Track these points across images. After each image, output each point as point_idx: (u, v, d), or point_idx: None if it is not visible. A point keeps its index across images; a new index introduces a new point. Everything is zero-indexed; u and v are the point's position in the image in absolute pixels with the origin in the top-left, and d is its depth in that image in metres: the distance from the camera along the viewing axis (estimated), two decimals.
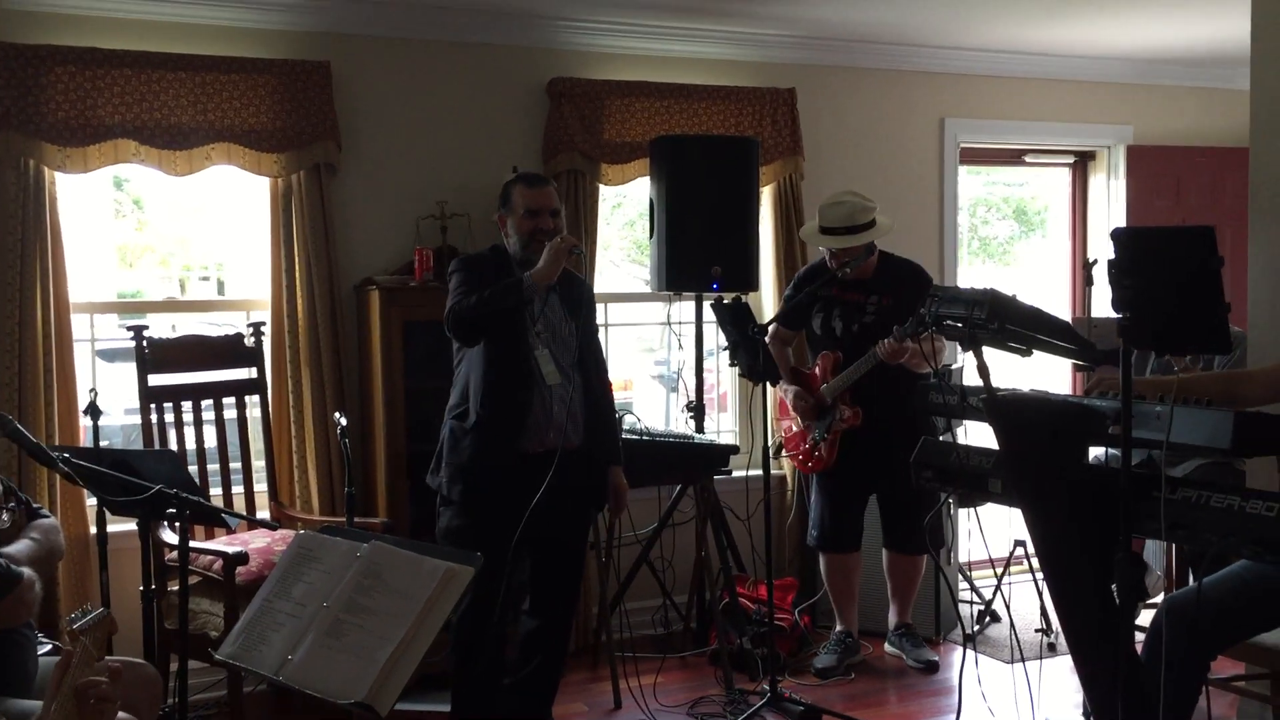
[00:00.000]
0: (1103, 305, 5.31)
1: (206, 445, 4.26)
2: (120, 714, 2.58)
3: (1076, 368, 3.86)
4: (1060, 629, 4.64)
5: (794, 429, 4.68)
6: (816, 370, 4.58)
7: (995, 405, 2.78)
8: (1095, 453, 3.77)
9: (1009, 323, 2.68)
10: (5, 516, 1.84)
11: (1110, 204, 6.27)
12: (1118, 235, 2.50)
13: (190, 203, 7.03)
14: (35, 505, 2.93)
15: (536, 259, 3.62)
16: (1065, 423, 2.74)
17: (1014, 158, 6.34)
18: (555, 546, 3.77)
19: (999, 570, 4.78)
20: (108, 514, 3.56)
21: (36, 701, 2.46)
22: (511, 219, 3.71)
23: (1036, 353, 2.88)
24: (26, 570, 2.58)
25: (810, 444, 4.57)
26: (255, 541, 3.99)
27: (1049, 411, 2.79)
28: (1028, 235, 10.59)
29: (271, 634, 2.48)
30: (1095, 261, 4.26)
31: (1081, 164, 6.40)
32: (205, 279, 8.42)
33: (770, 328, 4.72)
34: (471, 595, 3.56)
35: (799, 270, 4.31)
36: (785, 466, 5.38)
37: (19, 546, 2.68)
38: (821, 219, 4.45)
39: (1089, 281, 4.13)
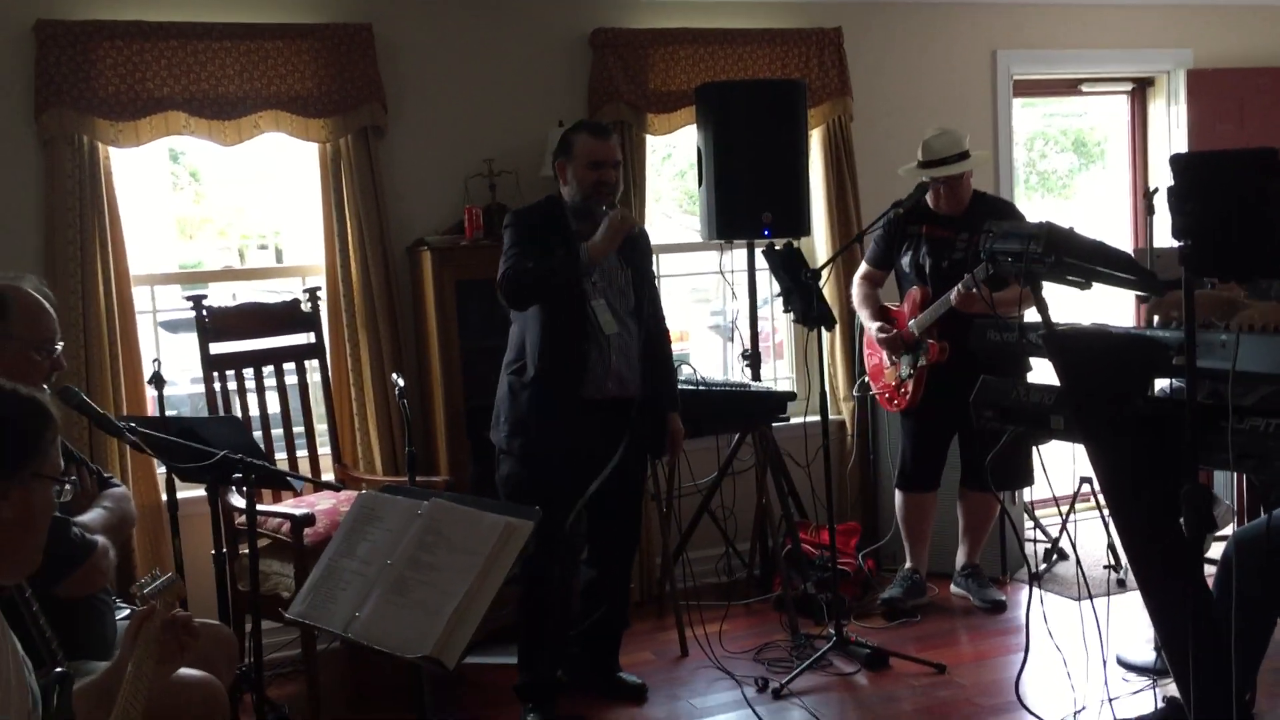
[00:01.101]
0: (1165, 235, 5.20)
1: (270, 411, 4.32)
2: (198, 672, 2.67)
3: (1139, 299, 3.78)
4: (1129, 565, 4.61)
5: (881, 367, 4.65)
6: (905, 307, 4.54)
7: (1055, 340, 2.74)
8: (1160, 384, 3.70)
9: (1067, 255, 2.63)
10: (67, 488, 1.88)
11: (1171, 131, 6.10)
12: (1176, 161, 2.44)
13: (245, 173, 7.09)
14: (106, 475, 2.99)
15: (596, 210, 3.61)
16: (1127, 355, 2.69)
17: (1069, 88, 6.18)
18: (612, 495, 3.79)
19: (1065, 508, 4.73)
20: (177, 481, 3.63)
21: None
22: (572, 168, 3.69)
23: (1099, 287, 2.83)
24: (100, 538, 2.65)
25: (897, 381, 4.54)
26: (321, 503, 4.06)
27: (1110, 344, 2.74)
28: (1087, 167, 10.35)
29: (339, 592, 2.53)
30: (1156, 190, 4.18)
31: (1140, 91, 6.22)
32: (264, 247, 8.51)
33: (860, 268, 4.70)
34: (534, 548, 3.64)
35: (885, 212, 4.26)
36: (844, 411, 5.35)
37: (92, 515, 2.75)
38: (926, 152, 4.43)
39: (1150, 211, 4.05)
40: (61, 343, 2.74)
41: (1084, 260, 2.65)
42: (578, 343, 3.63)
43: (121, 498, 2.90)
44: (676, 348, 4.53)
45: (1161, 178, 5.80)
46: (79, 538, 2.59)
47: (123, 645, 2.03)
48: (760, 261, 4.84)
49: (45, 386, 2.68)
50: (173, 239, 7.90)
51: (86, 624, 2.67)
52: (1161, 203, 4.17)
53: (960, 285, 4.17)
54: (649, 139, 4.99)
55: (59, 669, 1.86)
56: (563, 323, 3.63)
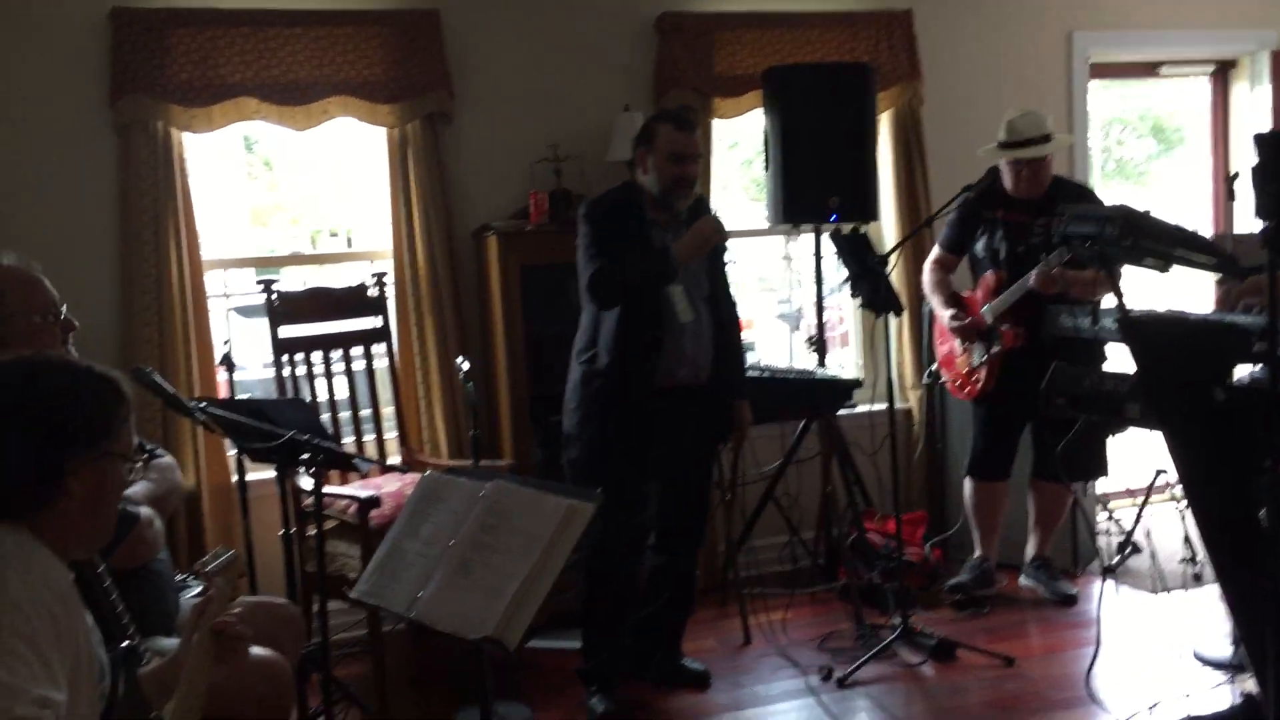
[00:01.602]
0: (1246, 221, 5.05)
1: (338, 396, 4.37)
2: (265, 650, 2.69)
3: (1218, 285, 3.67)
4: (1206, 558, 4.49)
5: (952, 355, 4.58)
6: (979, 293, 4.46)
7: (1131, 325, 2.67)
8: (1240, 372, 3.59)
9: (1144, 238, 2.55)
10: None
11: (1255, 115, 5.92)
12: (1261, 139, 2.36)
13: (317, 161, 7.19)
14: (149, 447, 3.03)
15: (675, 203, 3.59)
16: (1206, 341, 2.61)
17: (1148, 70, 6.02)
18: (680, 482, 3.77)
19: (1140, 500, 4.63)
20: (247, 463, 3.69)
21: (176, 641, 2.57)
22: (653, 158, 3.64)
23: (1177, 272, 2.75)
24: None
25: (969, 369, 4.47)
26: (387, 486, 4.09)
27: (1188, 330, 2.67)
28: (1166, 153, 10.10)
29: (402, 573, 2.55)
30: (1238, 175, 4.04)
31: (1222, 73, 6.05)
32: (334, 235, 8.64)
33: (932, 253, 4.63)
34: (600, 533, 3.64)
35: (954, 197, 4.18)
36: (911, 399, 5.28)
37: (137, 487, 2.78)
38: (1010, 132, 4.34)
39: (1231, 196, 3.90)
40: (65, 305, 2.76)
41: (1162, 243, 2.58)
42: (652, 330, 3.62)
43: (167, 468, 2.94)
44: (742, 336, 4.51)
45: (1244, 162, 5.63)
46: (121, 510, 2.62)
47: (181, 638, 2.06)
48: (827, 247, 4.79)
49: (71, 349, 2.72)
50: (247, 227, 8.04)
51: (143, 597, 2.69)
52: (1243, 187, 4.06)
53: (1040, 266, 4.07)
54: (716, 126, 4.95)
55: (125, 644, 1.88)
56: (638, 311, 3.61)
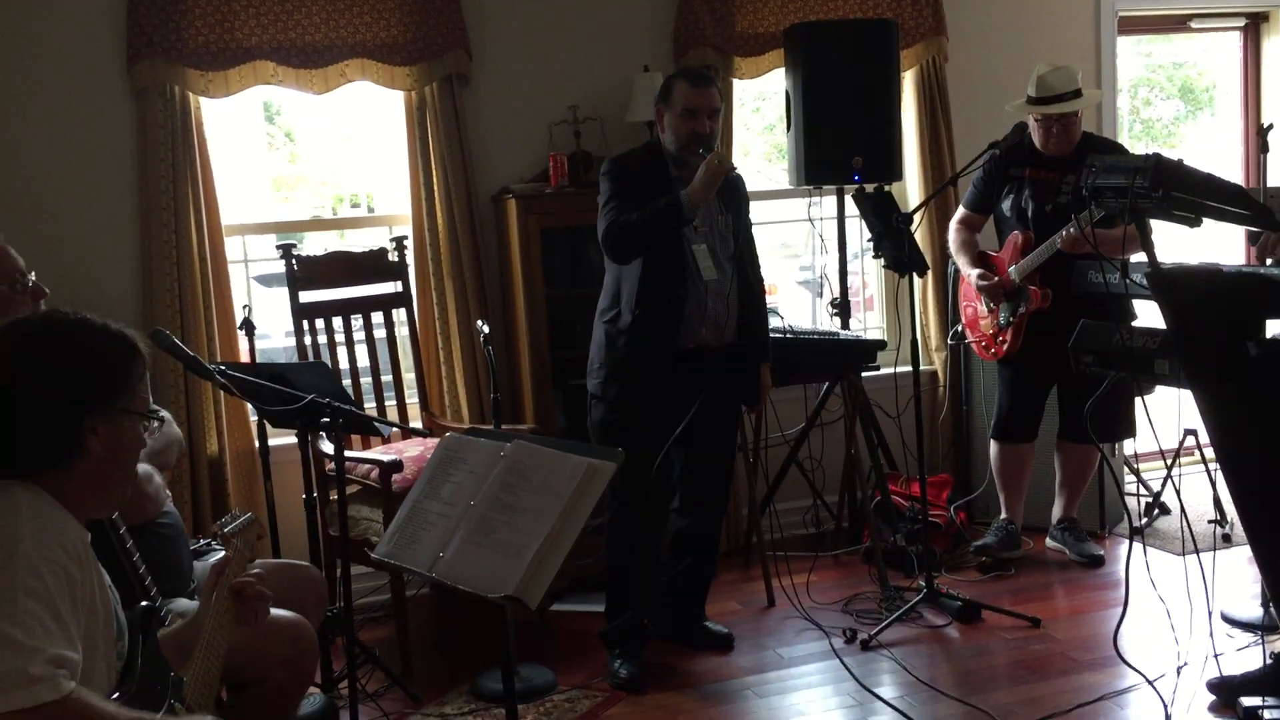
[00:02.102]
0: (1279, 175, 4.95)
1: (359, 362, 4.36)
2: (287, 612, 2.70)
3: (1250, 240, 3.59)
4: (1237, 519, 4.44)
5: (978, 315, 4.52)
6: (1005, 253, 4.40)
7: (1162, 279, 2.61)
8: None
9: (1175, 190, 2.49)
10: (155, 425, 1.91)
11: None
12: None
13: (338, 130, 7.16)
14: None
15: (693, 160, 3.55)
16: (1239, 295, 2.56)
17: (1178, 24, 5.91)
18: (704, 445, 3.75)
19: (1168, 461, 4.57)
20: (269, 427, 3.69)
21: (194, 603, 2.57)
22: (669, 115, 3.62)
23: (1208, 227, 2.69)
24: (142, 465, 2.67)
25: (995, 329, 4.41)
26: (409, 450, 4.08)
27: (1220, 283, 2.61)
28: (1194, 115, 9.94)
29: (423, 533, 2.53)
30: (1271, 126, 3.97)
31: (1254, 26, 5.92)
32: (355, 205, 8.62)
33: (957, 213, 4.57)
34: (622, 496, 3.63)
35: (981, 154, 4.11)
36: (936, 361, 5.23)
37: None
38: (1040, 87, 4.26)
39: (1264, 149, 3.85)
40: (33, 272, 2.74)
41: (1194, 194, 2.51)
42: (675, 289, 3.58)
43: (165, 421, 2.93)
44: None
45: (1276, 115, 5.52)
46: None
47: (201, 599, 2.06)
48: (850, 208, 4.74)
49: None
50: (268, 198, 8.02)
51: (153, 555, 2.68)
52: (1276, 139, 3.98)
53: (1068, 227, 4.00)
54: (737, 86, 4.89)
55: (144, 604, 1.88)
56: (662, 269, 3.58)
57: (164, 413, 3.01)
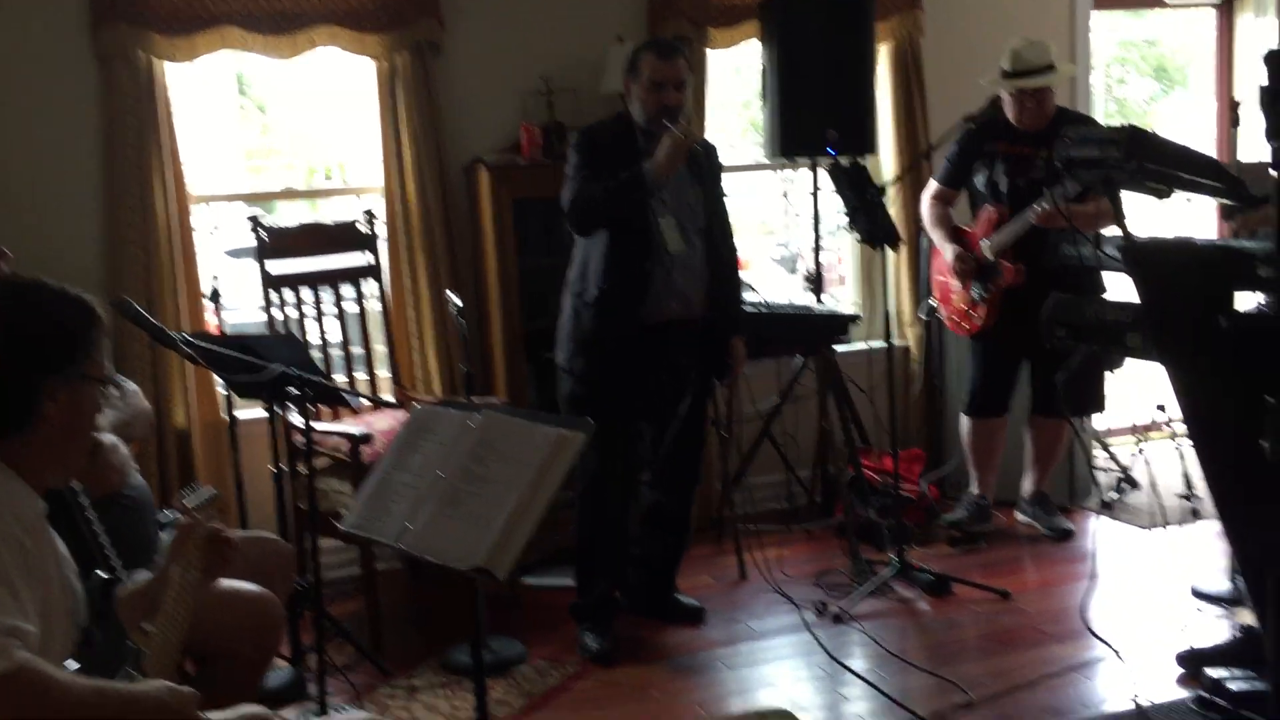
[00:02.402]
0: (1251, 150, 4.96)
1: (329, 333, 4.31)
2: (253, 585, 2.67)
3: (1223, 217, 3.60)
4: (1206, 492, 4.47)
5: (950, 290, 4.51)
6: (978, 228, 4.39)
7: (1134, 252, 2.61)
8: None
9: (1148, 161, 2.48)
10: (113, 392, 1.88)
11: (1260, 47, 5.81)
12: (1270, 57, 2.29)
13: (310, 102, 7.08)
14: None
15: (660, 133, 3.52)
16: (1210, 267, 2.56)
17: (1153, 1, 5.90)
18: (673, 418, 3.73)
19: (1138, 437, 4.60)
20: (236, 400, 3.64)
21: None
22: (636, 88, 3.58)
23: (1182, 212, 2.69)
24: (107, 436, 2.64)
25: (968, 304, 4.41)
26: (380, 423, 4.05)
27: (1192, 255, 2.61)
28: (1168, 93, 9.98)
29: (392, 504, 2.50)
30: (1242, 102, 3.97)
31: (1228, 5, 5.92)
32: (329, 178, 8.54)
33: (930, 187, 4.55)
34: (592, 470, 3.61)
35: (954, 126, 4.10)
36: (909, 336, 5.23)
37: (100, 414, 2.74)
38: (1014, 61, 4.23)
39: (1235, 122, 3.85)
40: None
41: (1167, 166, 2.51)
42: (641, 262, 3.56)
43: (130, 394, 2.90)
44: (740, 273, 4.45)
45: (1249, 94, 5.54)
46: None
47: (167, 555, 2.04)
48: (825, 182, 4.72)
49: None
50: (240, 171, 7.94)
51: (120, 526, 2.65)
52: (1248, 114, 3.98)
53: (1041, 202, 3.99)
54: (711, 55, 4.85)
55: (101, 573, 1.85)
56: (627, 242, 3.56)
57: (131, 385, 2.98)
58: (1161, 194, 2.59)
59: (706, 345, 3.77)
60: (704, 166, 3.71)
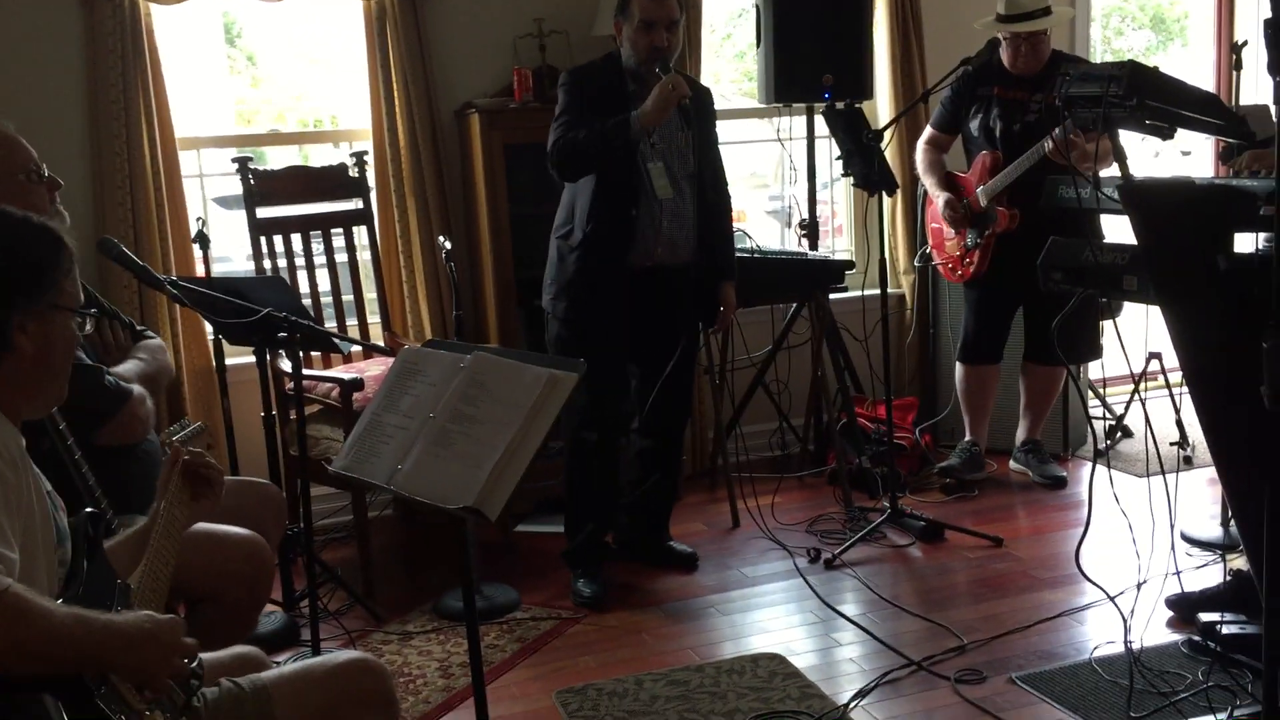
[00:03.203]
0: (1252, 93, 4.91)
1: (320, 283, 4.27)
2: (243, 529, 2.66)
3: (1221, 159, 3.55)
4: (1198, 442, 4.46)
5: (944, 237, 4.47)
6: (973, 174, 4.35)
7: (1132, 191, 2.57)
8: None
9: (1149, 98, 2.44)
10: (88, 323, 1.84)
11: None
12: None
13: (302, 53, 6.98)
14: (140, 328, 2.95)
15: (651, 76, 3.46)
16: (1209, 206, 2.52)
17: None
18: (661, 364, 3.70)
19: (1132, 386, 4.57)
20: (226, 345, 3.61)
21: None
22: (627, 28, 3.52)
23: (1182, 145, 2.65)
24: (136, 387, 2.62)
25: (962, 250, 4.37)
26: (371, 369, 4.02)
27: (1191, 195, 2.57)
28: (1165, 46, 9.89)
29: (381, 446, 2.48)
30: (1245, 43, 3.93)
31: None
32: (319, 126, 8.44)
33: (925, 133, 4.50)
34: (580, 414, 3.59)
35: (953, 70, 4.04)
36: (904, 285, 5.20)
37: (127, 366, 2.72)
38: (1009, 5, 4.18)
39: (1237, 65, 3.80)
40: (45, 164, 2.64)
41: (1168, 103, 2.46)
42: (628, 207, 3.52)
43: (157, 349, 2.87)
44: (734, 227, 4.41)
45: (1252, 35, 5.47)
46: (114, 386, 2.56)
47: (157, 492, 2.02)
48: (820, 128, 4.66)
49: (60, 209, 2.61)
50: (230, 123, 7.85)
51: (138, 475, 2.65)
52: (1250, 56, 3.94)
53: (1054, 134, 3.91)
54: (707, 1, 4.78)
55: (89, 510, 1.82)
56: (615, 186, 3.52)
57: (156, 340, 2.94)
58: (1164, 133, 2.54)
59: (696, 291, 3.73)
60: (696, 110, 3.66)
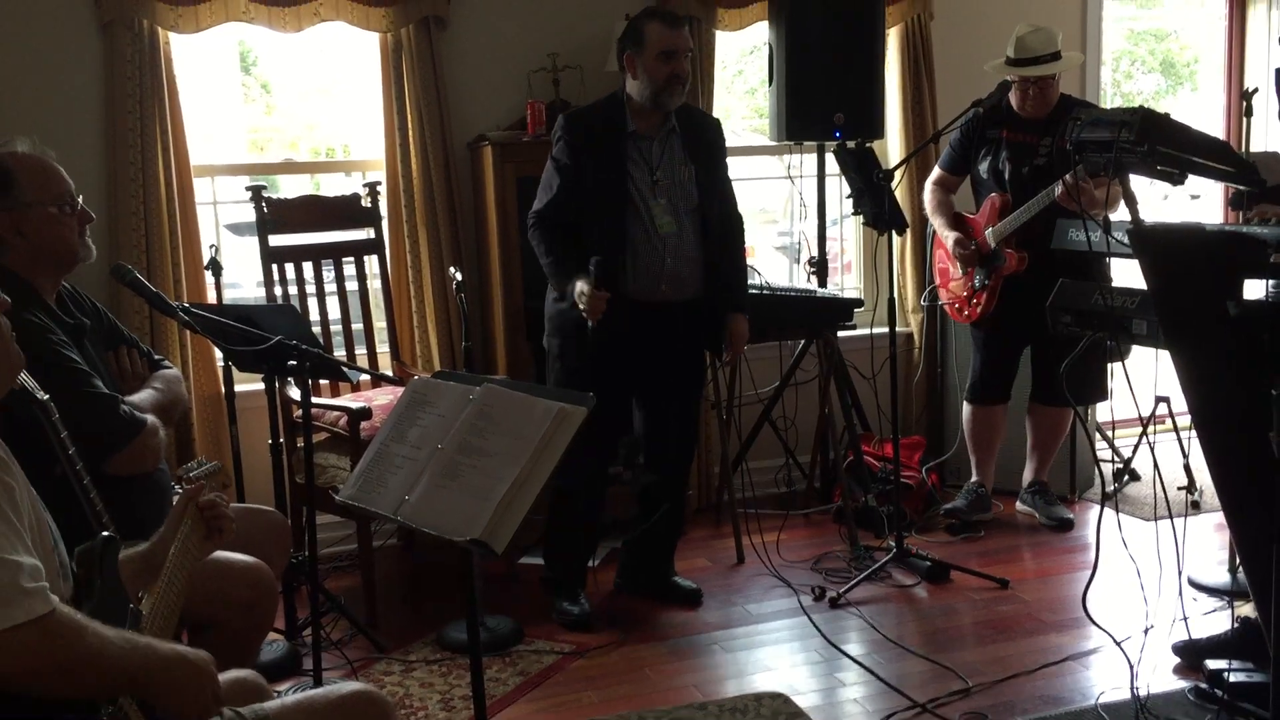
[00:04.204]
0: (1262, 140, 4.92)
1: (330, 312, 4.29)
2: (247, 556, 2.66)
3: (1231, 207, 3.55)
4: (1206, 486, 4.45)
5: (951, 277, 4.49)
6: (982, 216, 4.36)
7: (1142, 236, 2.58)
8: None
9: (1160, 144, 2.45)
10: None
11: (1270, 41, 5.76)
12: None
13: (316, 82, 7.04)
14: (158, 358, 2.96)
15: (668, 103, 3.51)
16: (1219, 252, 2.52)
17: None
18: (668, 399, 3.70)
19: (1143, 428, 4.56)
20: (235, 372, 3.62)
21: None
22: (641, 60, 3.52)
23: (1191, 189, 2.65)
24: (150, 417, 2.62)
25: (969, 291, 4.38)
26: (379, 399, 4.03)
27: (1200, 241, 2.57)
28: (1174, 90, 9.94)
29: (389, 476, 2.48)
30: (1255, 90, 3.95)
31: None
32: (331, 157, 8.50)
33: (932, 173, 4.53)
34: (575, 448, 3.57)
35: (964, 111, 4.07)
36: (913, 323, 5.20)
37: (142, 395, 2.72)
38: (1018, 49, 4.21)
39: (1247, 113, 3.82)
40: (80, 196, 2.67)
41: (1179, 149, 2.47)
42: (631, 244, 3.52)
43: (173, 379, 2.87)
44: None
45: (1262, 82, 5.50)
46: (128, 415, 2.56)
47: (168, 520, 2.02)
48: (830, 166, 4.69)
49: (88, 241, 2.64)
50: (243, 151, 7.92)
51: (146, 503, 2.65)
52: (1261, 103, 3.96)
53: (1065, 178, 3.92)
54: (720, 37, 4.82)
55: (105, 534, 1.83)
56: (618, 223, 3.52)
57: (174, 370, 2.96)
58: (1174, 179, 2.55)
59: (700, 323, 3.73)
60: (699, 142, 3.67)
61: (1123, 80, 9.91)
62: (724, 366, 4.14)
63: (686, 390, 3.79)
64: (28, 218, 2.53)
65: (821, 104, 4.53)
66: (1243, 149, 3.88)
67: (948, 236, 4.41)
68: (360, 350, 4.36)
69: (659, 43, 3.49)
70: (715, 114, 4.77)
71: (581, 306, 3.45)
